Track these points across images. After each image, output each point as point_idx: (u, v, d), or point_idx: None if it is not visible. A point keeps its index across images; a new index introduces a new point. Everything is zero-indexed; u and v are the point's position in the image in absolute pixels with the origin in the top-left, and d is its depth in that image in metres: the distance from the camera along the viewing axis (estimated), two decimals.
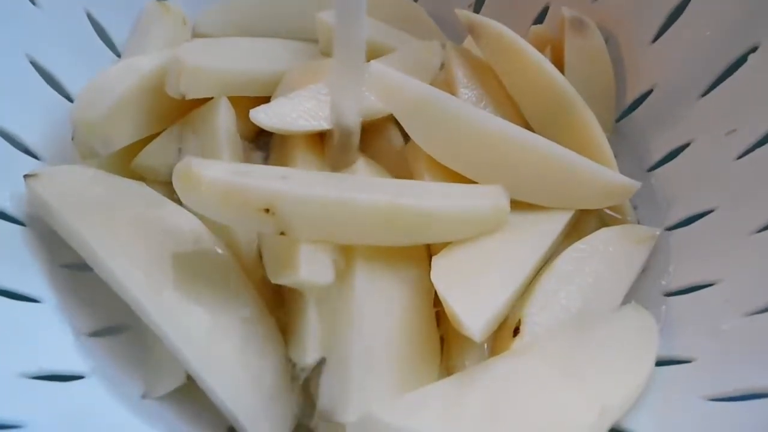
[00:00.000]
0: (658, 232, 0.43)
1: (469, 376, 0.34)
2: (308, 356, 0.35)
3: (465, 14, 0.46)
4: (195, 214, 0.38)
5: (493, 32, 0.45)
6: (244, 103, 0.42)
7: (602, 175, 0.42)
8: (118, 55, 0.49)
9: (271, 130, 0.41)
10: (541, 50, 0.46)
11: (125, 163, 0.43)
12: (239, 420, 0.34)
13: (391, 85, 0.41)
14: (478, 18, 0.46)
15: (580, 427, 0.32)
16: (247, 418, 0.34)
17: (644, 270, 0.42)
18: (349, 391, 0.34)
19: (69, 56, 0.46)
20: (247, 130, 0.44)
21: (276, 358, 0.36)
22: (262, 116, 0.40)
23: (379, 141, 0.45)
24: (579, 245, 0.40)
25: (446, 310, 0.35)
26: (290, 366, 0.36)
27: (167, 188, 0.39)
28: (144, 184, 0.40)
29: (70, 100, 0.45)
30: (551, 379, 0.34)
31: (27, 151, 0.41)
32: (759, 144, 0.40)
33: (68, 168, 0.39)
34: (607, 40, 0.49)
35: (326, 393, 0.34)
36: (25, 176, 0.38)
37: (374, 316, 0.36)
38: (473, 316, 0.35)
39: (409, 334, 0.36)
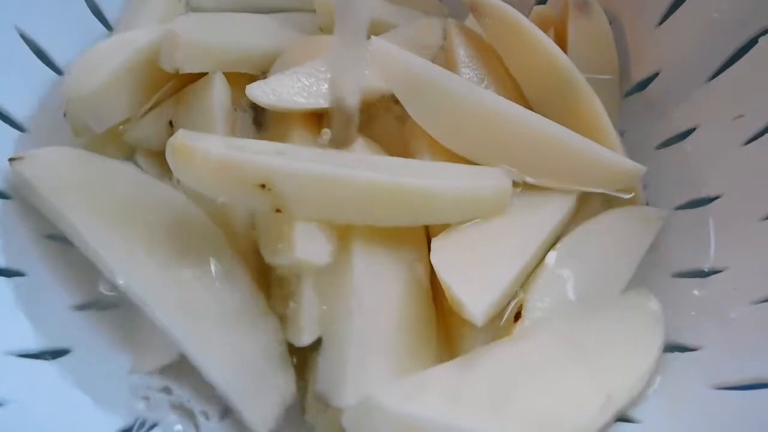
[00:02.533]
0: (665, 214, 0.42)
1: (470, 360, 0.33)
2: (304, 337, 0.34)
3: None
4: (187, 193, 0.37)
5: (496, 11, 0.44)
6: (240, 78, 0.41)
7: (607, 159, 0.40)
8: (110, 29, 0.47)
9: (267, 107, 0.40)
10: (544, 31, 0.45)
11: (116, 135, 0.42)
12: (231, 399, 0.34)
13: (392, 63, 0.40)
14: None
15: (584, 414, 0.31)
16: (239, 397, 0.34)
17: (652, 251, 0.41)
18: (345, 374, 0.33)
19: (59, 29, 0.44)
20: (242, 106, 0.43)
21: (269, 337, 0.36)
22: (259, 93, 0.39)
23: (379, 120, 0.43)
24: (584, 227, 0.39)
25: (446, 294, 0.34)
26: (284, 346, 0.36)
27: (158, 159, 0.38)
28: (132, 165, 0.39)
29: (60, 73, 0.43)
30: (555, 365, 0.33)
31: (14, 124, 0.40)
32: (761, 133, 0.39)
33: (53, 150, 0.38)
34: (611, 23, 0.48)
35: (322, 375, 0.34)
36: (10, 159, 0.37)
37: (372, 297, 0.35)
38: (475, 301, 0.34)
39: (407, 316, 0.36)
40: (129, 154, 0.42)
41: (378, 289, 0.36)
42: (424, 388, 0.32)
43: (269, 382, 0.35)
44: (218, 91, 0.41)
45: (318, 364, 0.34)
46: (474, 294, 0.34)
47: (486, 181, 0.38)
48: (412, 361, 0.35)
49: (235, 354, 0.34)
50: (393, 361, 0.34)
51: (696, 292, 0.39)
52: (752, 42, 0.41)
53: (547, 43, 0.43)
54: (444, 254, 0.36)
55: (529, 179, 0.40)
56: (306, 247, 0.34)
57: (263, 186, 0.33)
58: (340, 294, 0.35)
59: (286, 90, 0.40)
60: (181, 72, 0.40)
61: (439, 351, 0.36)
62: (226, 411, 0.35)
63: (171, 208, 0.37)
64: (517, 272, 0.36)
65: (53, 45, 0.43)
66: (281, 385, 0.35)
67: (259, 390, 0.34)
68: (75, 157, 0.38)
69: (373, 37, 0.41)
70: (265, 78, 0.41)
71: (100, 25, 0.47)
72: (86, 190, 0.37)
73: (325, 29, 0.47)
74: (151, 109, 0.42)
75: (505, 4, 0.44)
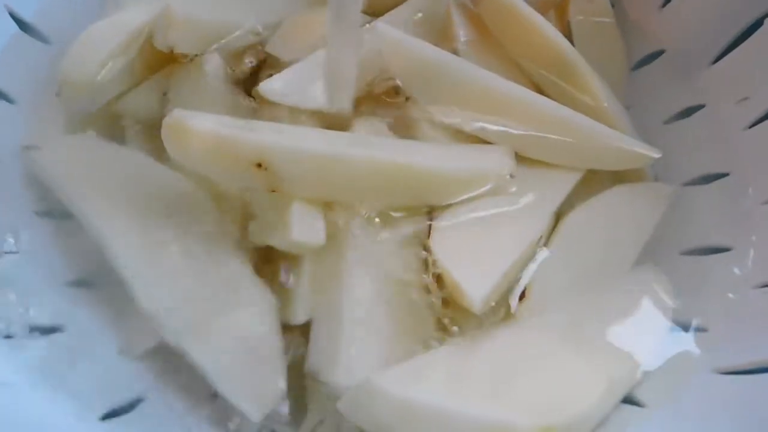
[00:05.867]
0: (674, 190, 0.41)
1: (471, 344, 0.33)
2: (298, 316, 0.34)
3: None
4: (185, 175, 0.37)
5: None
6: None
7: (618, 141, 0.40)
8: None
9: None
10: (544, 13, 0.44)
11: (107, 106, 0.41)
12: (218, 386, 0.33)
13: (397, 49, 0.39)
14: None
15: (587, 398, 0.31)
16: (228, 385, 0.33)
17: (660, 226, 0.40)
18: (338, 352, 0.32)
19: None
20: (235, 76, 0.42)
21: (262, 320, 0.35)
22: (272, 90, 0.39)
23: (380, 99, 0.42)
24: (590, 203, 0.39)
25: (445, 279, 0.34)
26: (278, 331, 0.35)
27: (150, 132, 0.38)
28: (143, 154, 0.39)
29: (46, 42, 0.42)
30: (558, 349, 0.33)
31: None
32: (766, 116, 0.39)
33: (68, 139, 0.40)
34: (614, 5, 0.47)
35: (314, 352, 0.33)
36: (25, 147, 0.38)
37: (366, 278, 0.35)
38: (474, 287, 0.33)
39: (402, 297, 0.35)
40: (117, 125, 0.41)
41: (373, 269, 0.35)
42: (424, 372, 0.31)
43: (262, 368, 0.34)
44: (212, 62, 0.40)
45: (310, 341, 0.34)
46: (473, 280, 0.33)
47: (488, 159, 0.38)
48: (405, 341, 0.34)
49: (226, 338, 0.34)
50: (385, 340, 0.34)
51: (704, 268, 0.38)
52: (757, 24, 0.40)
53: (546, 27, 0.42)
54: (444, 238, 0.35)
55: (534, 155, 0.39)
56: (302, 228, 0.33)
57: (259, 165, 0.32)
58: (334, 273, 0.35)
59: (300, 86, 0.39)
60: (176, 51, 0.39)
61: (433, 333, 0.35)
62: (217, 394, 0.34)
63: (172, 190, 0.36)
64: (518, 256, 0.35)
65: (39, 16, 0.42)
66: (275, 370, 0.34)
67: (251, 376, 0.33)
68: (89, 146, 0.39)
69: (377, 22, 0.41)
70: (263, 48, 0.41)
71: None
72: (99, 180, 0.37)
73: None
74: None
75: None
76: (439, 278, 0.34)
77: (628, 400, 0.34)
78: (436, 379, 0.31)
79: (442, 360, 0.32)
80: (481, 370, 0.31)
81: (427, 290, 0.36)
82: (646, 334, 0.35)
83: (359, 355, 0.32)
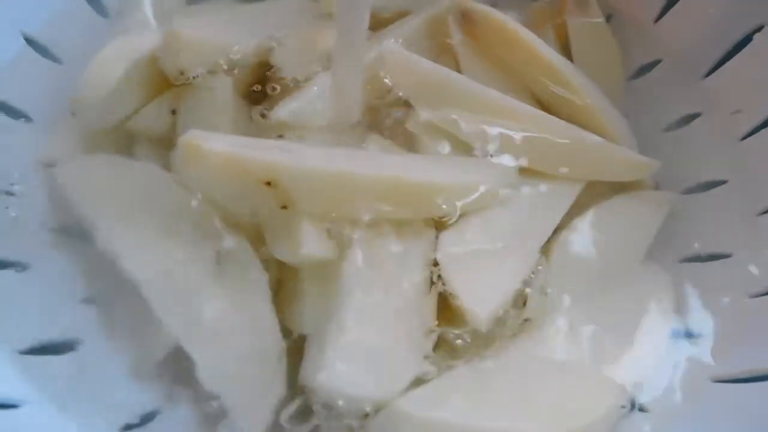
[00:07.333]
0: (674, 198, 0.42)
1: (487, 362, 0.34)
2: (301, 328, 0.35)
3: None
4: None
5: (485, 19, 0.44)
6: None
7: (619, 155, 0.41)
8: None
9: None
10: (540, 27, 0.46)
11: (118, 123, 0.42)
12: (224, 398, 0.34)
13: (403, 67, 0.40)
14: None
15: (601, 407, 0.32)
16: (230, 398, 0.34)
17: (660, 234, 0.41)
18: (322, 362, 0.33)
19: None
20: (243, 91, 0.43)
21: (267, 334, 0.36)
22: (286, 114, 0.40)
23: (388, 114, 0.43)
24: (593, 213, 0.39)
25: (451, 296, 0.35)
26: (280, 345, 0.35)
27: (159, 149, 0.40)
28: (159, 169, 0.39)
29: (57, 61, 0.43)
30: (568, 360, 0.34)
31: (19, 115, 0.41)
32: (763, 125, 0.40)
33: (87, 158, 0.40)
34: (611, 16, 0.48)
35: (305, 363, 0.34)
36: (44, 164, 0.39)
37: (365, 292, 0.35)
38: (480, 306, 0.34)
39: (402, 312, 0.35)
40: (129, 141, 0.42)
41: (373, 283, 0.35)
42: (445, 393, 0.32)
43: (262, 381, 0.35)
44: (220, 83, 0.41)
45: (305, 352, 0.34)
46: (479, 300, 0.34)
47: (491, 173, 0.38)
48: (402, 358, 0.34)
49: (229, 351, 0.35)
50: (377, 354, 0.34)
51: (703, 276, 0.39)
52: (747, 39, 0.41)
53: (538, 43, 0.43)
54: (451, 253, 0.36)
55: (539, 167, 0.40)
56: (312, 244, 0.34)
57: (269, 183, 0.34)
58: (334, 287, 0.35)
59: (311, 107, 0.40)
60: (185, 74, 0.40)
61: (434, 349, 0.36)
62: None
63: (185, 207, 0.37)
64: (523, 275, 0.36)
65: (47, 34, 0.43)
66: (275, 383, 0.35)
67: (252, 388, 0.34)
68: (105, 163, 0.40)
69: (382, 39, 0.41)
70: (270, 64, 0.42)
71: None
72: (116, 196, 0.38)
73: (328, 12, 0.46)
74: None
75: (494, 10, 0.44)
76: (443, 294, 0.35)
77: (635, 406, 0.34)
78: (458, 398, 0.32)
79: (461, 379, 0.33)
80: (499, 387, 0.32)
81: (431, 302, 0.37)
82: (649, 342, 0.36)
83: (344, 366, 0.33)
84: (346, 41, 0.37)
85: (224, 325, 0.35)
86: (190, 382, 0.34)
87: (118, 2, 0.47)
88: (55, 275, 0.37)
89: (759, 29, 0.41)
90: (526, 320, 0.35)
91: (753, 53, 0.41)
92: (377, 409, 0.32)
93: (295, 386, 0.35)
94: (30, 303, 0.36)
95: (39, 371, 0.33)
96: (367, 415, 0.32)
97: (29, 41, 0.42)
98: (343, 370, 0.32)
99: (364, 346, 0.33)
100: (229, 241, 0.37)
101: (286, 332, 0.36)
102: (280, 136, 0.39)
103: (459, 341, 0.35)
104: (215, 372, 0.34)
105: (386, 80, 0.41)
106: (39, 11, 0.43)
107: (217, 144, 0.33)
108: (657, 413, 0.34)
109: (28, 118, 0.41)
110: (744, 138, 0.41)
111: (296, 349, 0.35)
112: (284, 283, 0.38)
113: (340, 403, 0.32)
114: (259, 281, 0.36)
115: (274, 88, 0.42)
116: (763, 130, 0.40)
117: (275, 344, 0.35)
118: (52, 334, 0.35)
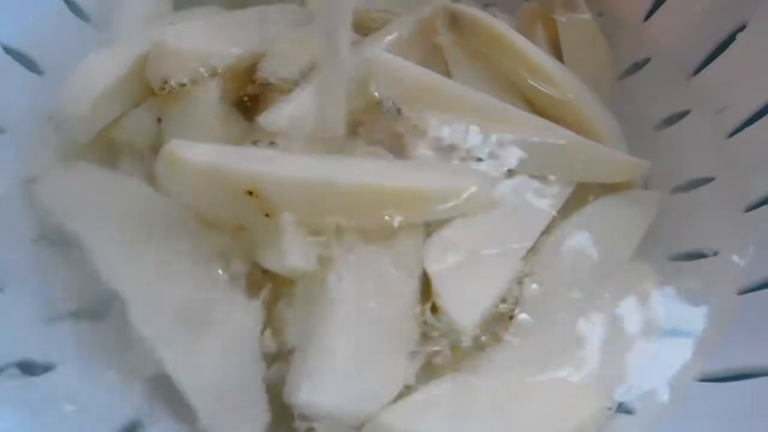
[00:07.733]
0: (663, 197, 0.42)
1: (470, 373, 0.34)
2: (285, 342, 0.35)
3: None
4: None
5: (472, 22, 0.44)
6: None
7: (608, 157, 0.41)
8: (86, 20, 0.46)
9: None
10: (530, 27, 0.46)
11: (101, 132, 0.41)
12: (201, 418, 0.33)
13: (391, 73, 0.40)
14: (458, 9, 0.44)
15: (584, 410, 0.32)
16: (211, 419, 0.33)
17: (648, 232, 0.40)
18: (304, 376, 0.32)
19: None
20: (228, 98, 0.42)
21: (249, 354, 0.35)
22: (272, 122, 0.39)
23: (376, 119, 0.42)
24: (581, 213, 0.39)
25: (437, 302, 0.35)
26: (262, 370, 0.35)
27: (143, 159, 0.39)
28: (142, 182, 0.39)
29: (35, 71, 0.43)
30: (553, 366, 0.34)
31: None
32: (749, 122, 0.40)
33: (67, 170, 0.40)
34: (601, 14, 0.48)
35: (290, 377, 0.33)
36: (27, 181, 0.38)
37: (348, 304, 0.34)
38: (465, 312, 0.34)
39: (386, 321, 0.35)
40: (113, 151, 0.42)
41: (357, 293, 0.35)
42: (430, 405, 0.32)
43: (245, 400, 0.34)
44: (205, 91, 0.40)
45: (290, 366, 0.34)
46: (464, 306, 0.34)
47: (478, 177, 0.38)
48: (386, 369, 0.34)
49: (212, 371, 0.34)
50: (360, 368, 0.33)
51: (691, 277, 0.39)
52: (731, 38, 0.41)
53: (527, 47, 0.43)
54: (437, 259, 0.36)
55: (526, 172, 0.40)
56: (296, 253, 0.34)
57: (251, 193, 0.33)
58: (317, 299, 0.35)
59: (296, 116, 0.40)
60: (169, 83, 0.40)
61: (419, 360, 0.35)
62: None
63: (168, 220, 0.37)
64: (508, 280, 0.36)
65: (26, 42, 0.42)
66: (258, 402, 0.34)
67: (234, 408, 0.34)
68: (86, 175, 0.39)
69: (368, 46, 0.41)
70: (255, 70, 0.42)
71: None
72: (97, 208, 0.38)
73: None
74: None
75: (482, 13, 0.44)
76: (432, 303, 0.35)
77: (620, 407, 0.34)
78: (441, 410, 0.32)
79: (444, 391, 0.33)
80: (482, 397, 0.32)
81: (417, 314, 0.36)
82: (637, 341, 0.35)
83: (326, 383, 0.32)
84: (329, 49, 0.36)
85: (207, 345, 0.35)
86: (171, 401, 0.34)
87: (101, 9, 0.47)
88: (36, 291, 0.37)
89: (741, 29, 0.41)
90: (511, 323, 0.35)
91: (737, 51, 0.41)
92: (360, 425, 0.32)
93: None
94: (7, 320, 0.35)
95: (17, 389, 0.33)
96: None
97: (7, 50, 0.42)
98: (325, 387, 0.32)
99: (347, 361, 0.33)
100: (217, 256, 0.37)
101: (280, 345, 0.35)
102: (272, 143, 0.39)
103: (439, 358, 0.35)
104: (198, 394, 0.33)
105: (374, 86, 0.41)
106: (18, 18, 0.42)
107: (198, 154, 0.33)
108: (643, 414, 0.34)
109: (2, 129, 0.40)
110: (731, 135, 0.41)
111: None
112: (280, 292, 0.37)
113: (324, 418, 0.31)
114: (244, 302, 0.36)
115: (261, 96, 0.42)
116: (748, 128, 0.40)
117: (256, 369, 0.34)
118: (31, 352, 0.34)
